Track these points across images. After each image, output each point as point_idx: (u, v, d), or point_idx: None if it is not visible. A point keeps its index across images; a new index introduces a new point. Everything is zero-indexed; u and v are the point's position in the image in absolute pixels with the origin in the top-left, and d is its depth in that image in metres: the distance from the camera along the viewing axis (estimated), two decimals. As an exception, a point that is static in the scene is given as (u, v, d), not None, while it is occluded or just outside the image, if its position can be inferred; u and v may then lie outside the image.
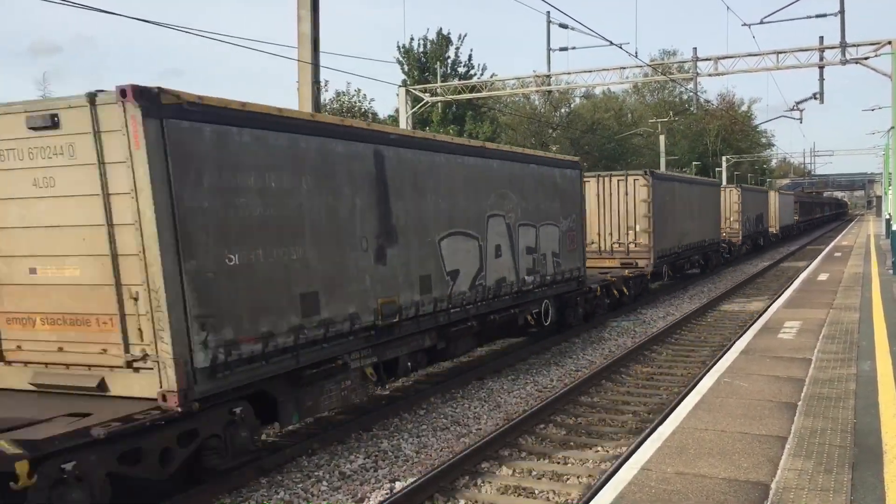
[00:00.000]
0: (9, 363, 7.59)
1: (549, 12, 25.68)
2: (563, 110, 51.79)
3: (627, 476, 6.40)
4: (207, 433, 7.46)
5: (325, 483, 8.29)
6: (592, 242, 21.92)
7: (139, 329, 6.93)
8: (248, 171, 7.59)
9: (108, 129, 6.72)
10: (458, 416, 10.75)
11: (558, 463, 8.85)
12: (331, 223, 8.75)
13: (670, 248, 24.10)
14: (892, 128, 24.16)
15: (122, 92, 6.51)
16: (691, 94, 35.81)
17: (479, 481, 8.28)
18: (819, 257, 32.03)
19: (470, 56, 41.74)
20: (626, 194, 22.25)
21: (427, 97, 27.71)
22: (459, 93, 29.03)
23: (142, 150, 6.55)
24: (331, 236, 8.75)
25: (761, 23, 24.93)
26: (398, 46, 40.75)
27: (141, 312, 6.87)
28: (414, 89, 28.23)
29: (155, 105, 6.62)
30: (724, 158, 66.46)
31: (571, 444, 9.55)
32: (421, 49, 40.62)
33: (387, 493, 7.97)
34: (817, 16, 24.33)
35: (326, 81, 28.14)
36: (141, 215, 6.65)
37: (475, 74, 40.58)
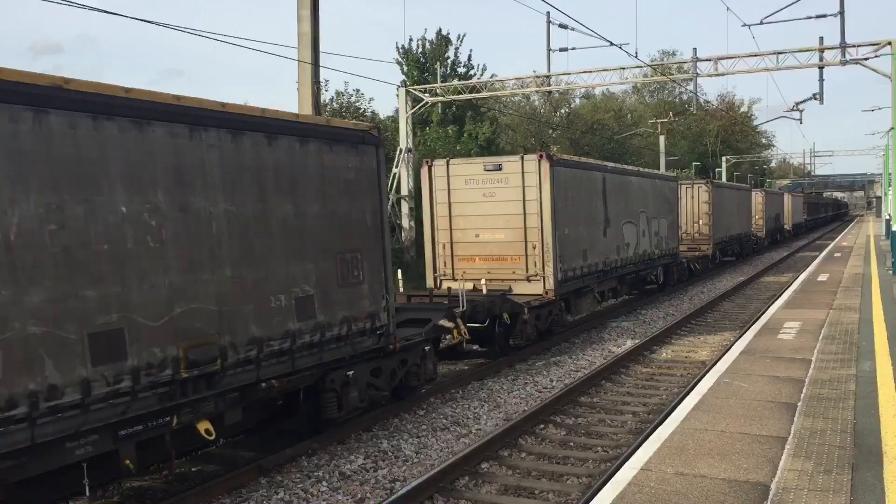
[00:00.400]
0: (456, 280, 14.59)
1: (548, 13, 25.74)
2: (563, 110, 51.80)
3: (627, 476, 6.40)
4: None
5: (324, 483, 8.29)
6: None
7: (534, 262, 15.10)
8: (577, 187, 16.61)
9: (528, 171, 15.07)
10: (457, 417, 10.75)
11: (558, 463, 8.85)
12: (588, 213, 17.18)
13: (721, 237, 32.05)
14: (892, 128, 24.16)
15: (540, 155, 15.19)
16: (691, 94, 35.87)
17: (479, 481, 8.28)
18: (819, 258, 32.03)
19: (469, 56, 41.75)
20: (693, 198, 29.87)
21: (427, 97, 27.70)
22: (459, 93, 29.04)
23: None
24: (588, 220, 17.13)
25: (761, 23, 24.96)
26: (397, 47, 40.73)
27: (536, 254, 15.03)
28: (413, 89, 28.24)
29: (551, 160, 14.99)
30: (723, 159, 66.50)
31: (571, 444, 9.55)
32: (420, 49, 40.60)
33: (387, 494, 7.97)
34: (817, 16, 24.37)
35: (327, 81, 28.17)
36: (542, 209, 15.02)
37: (475, 75, 40.54)
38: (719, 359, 12.02)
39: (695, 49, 24.62)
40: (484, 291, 14.46)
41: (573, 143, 44.64)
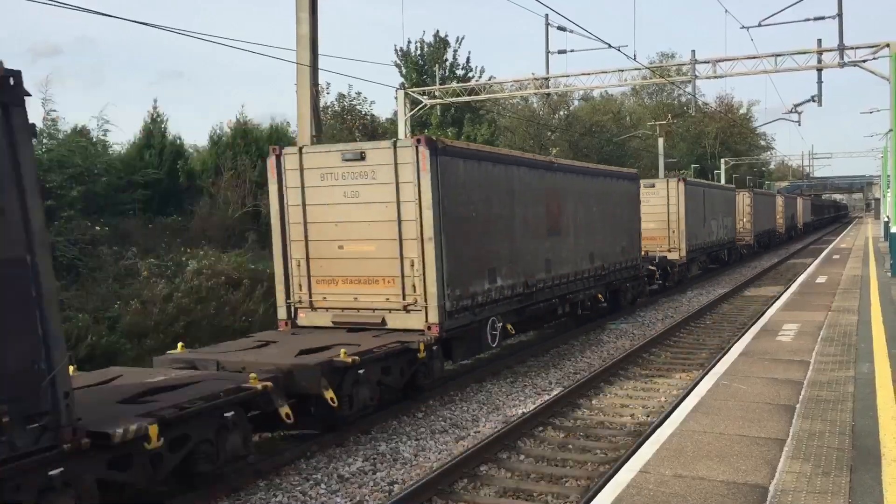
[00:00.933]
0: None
1: (547, 15, 25.75)
2: (561, 112, 51.80)
3: (626, 479, 6.39)
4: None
5: (322, 486, 8.28)
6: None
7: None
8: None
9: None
10: (456, 419, 10.74)
11: (557, 465, 8.84)
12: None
13: (759, 231, 40.86)
14: (891, 130, 24.17)
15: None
16: (690, 96, 35.86)
17: (477, 484, 8.27)
18: (818, 260, 32.04)
19: (468, 58, 41.58)
20: (737, 202, 36.50)
21: (425, 100, 27.71)
22: (457, 95, 29.04)
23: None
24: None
25: (759, 25, 24.95)
26: (396, 49, 40.76)
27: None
28: (412, 92, 28.23)
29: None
30: (722, 161, 66.52)
31: (570, 446, 9.54)
32: (419, 52, 40.62)
33: (385, 496, 7.96)
34: (815, 18, 24.33)
35: (328, 84, 28.18)
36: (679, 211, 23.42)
37: (473, 77, 40.57)
38: (718, 361, 12.01)
39: (693, 51, 24.58)
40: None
41: (572, 145, 44.62)
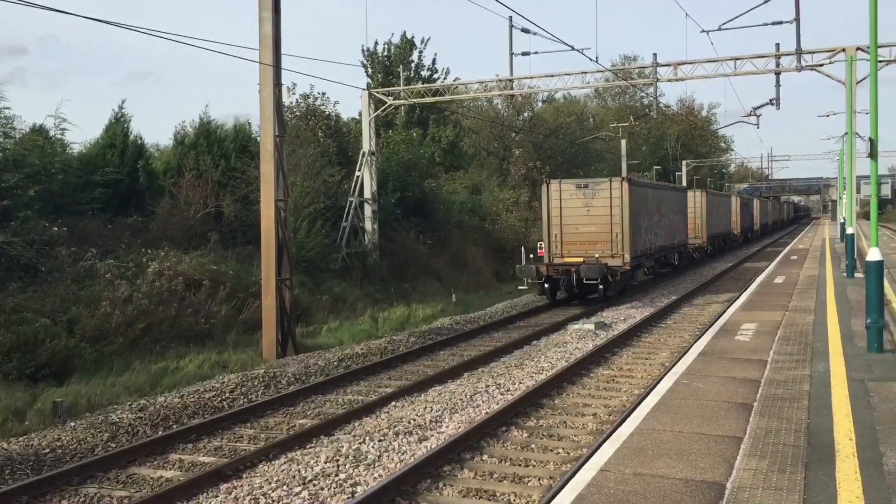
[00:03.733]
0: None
1: (511, 17, 25.81)
2: (525, 114, 52.02)
3: (587, 477, 6.46)
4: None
5: (284, 488, 8.24)
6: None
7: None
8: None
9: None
10: (419, 420, 10.75)
11: (520, 465, 8.89)
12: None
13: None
14: (847, 133, 24.66)
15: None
16: (652, 99, 36.24)
17: (440, 484, 8.29)
18: (776, 261, 32.59)
19: (434, 60, 41.69)
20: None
21: (390, 100, 27.67)
22: (422, 96, 29.05)
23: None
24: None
25: (719, 29, 25.31)
26: (362, 49, 40.69)
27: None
28: (377, 92, 28.17)
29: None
30: (683, 163, 67.34)
31: (533, 446, 9.60)
32: (385, 52, 40.57)
33: (348, 498, 7.94)
34: (773, 23, 24.74)
35: (294, 84, 27.94)
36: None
37: (439, 78, 40.63)
38: (678, 360, 12.17)
39: (655, 54, 24.80)
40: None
41: (536, 146, 44.83)
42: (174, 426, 10.86)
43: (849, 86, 22.91)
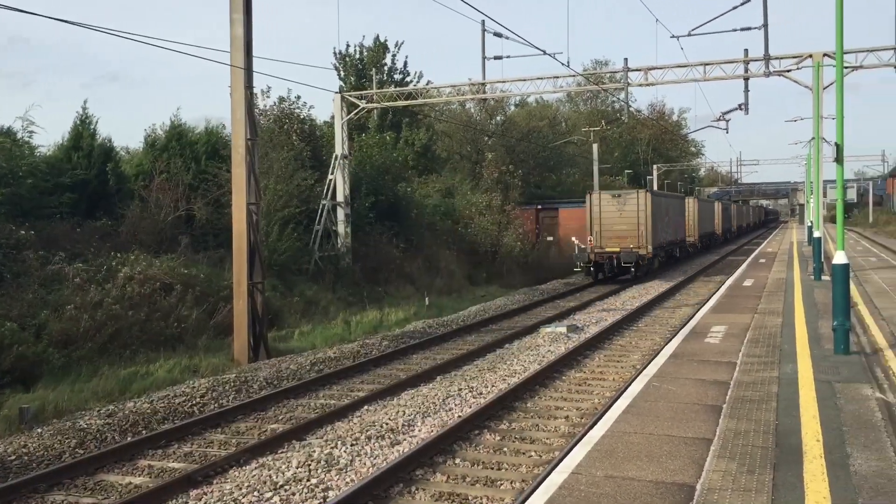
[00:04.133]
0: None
1: (483, 21, 25.89)
2: (498, 118, 52.15)
3: (558, 480, 6.49)
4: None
5: (256, 493, 8.18)
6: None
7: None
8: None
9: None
10: (392, 424, 10.73)
11: (492, 468, 8.91)
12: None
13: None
14: (814, 138, 25.02)
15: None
16: (623, 103, 36.51)
17: (413, 489, 8.28)
18: (744, 264, 32.97)
19: (406, 63, 41.67)
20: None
21: (362, 104, 27.61)
22: (395, 99, 29.03)
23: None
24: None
25: (689, 35, 25.54)
26: (335, 52, 40.58)
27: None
28: (350, 96, 28.11)
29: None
30: (654, 167, 67.96)
31: (505, 449, 9.62)
32: (358, 56, 40.50)
33: (320, 503, 7.91)
34: (742, 29, 25.06)
35: (269, 87, 27.73)
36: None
37: (411, 82, 40.63)
38: (649, 363, 12.27)
39: (626, 59, 25.01)
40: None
41: (508, 150, 44.96)
42: (144, 432, 10.75)
43: (816, 91, 23.25)
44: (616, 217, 30.89)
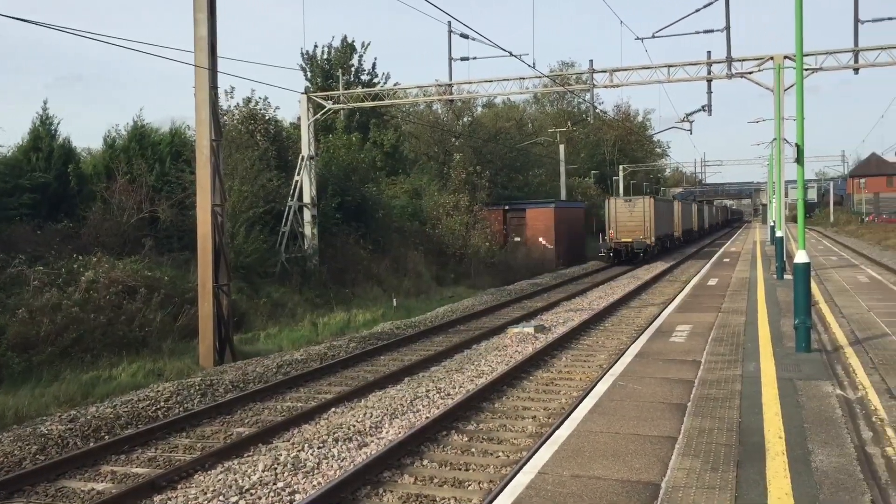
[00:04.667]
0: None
1: (450, 22, 25.91)
2: (465, 119, 52.19)
3: (525, 480, 6.51)
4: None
5: (221, 498, 8.10)
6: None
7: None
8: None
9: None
10: (359, 426, 10.69)
11: (460, 469, 8.91)
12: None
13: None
14: (775, 139, 25.41)
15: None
16: (589, 104, 36.77)
17: (380, 490, 8.25)
18: (708, 264, 33.37)
19: (374, 64, 41.51)
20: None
21: (329, 104, 27.48)
22: (362, 100, 28.92)
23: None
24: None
25: (653, 37, 25.77)
26: (302, 53, 40.32)
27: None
28: (316, 96, 27.95)
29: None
30: (620, 167, 68.55)
31: (473, 450, 9.63)
32: (325, 56, 40.29)
33: (286, 507, 7.85)
34: (705, 31, 25.35)
35: (233, 88, 27.44)
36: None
37: (379, 83, 40.51)
38: (616, 362, 12.36)
39: (591, 61, 25.20)
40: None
41: (475, 151, 45.02)
42: (106, 437, 10.59)
43: (777, 93, 23.60)
44: (628, 216, 41.30)
